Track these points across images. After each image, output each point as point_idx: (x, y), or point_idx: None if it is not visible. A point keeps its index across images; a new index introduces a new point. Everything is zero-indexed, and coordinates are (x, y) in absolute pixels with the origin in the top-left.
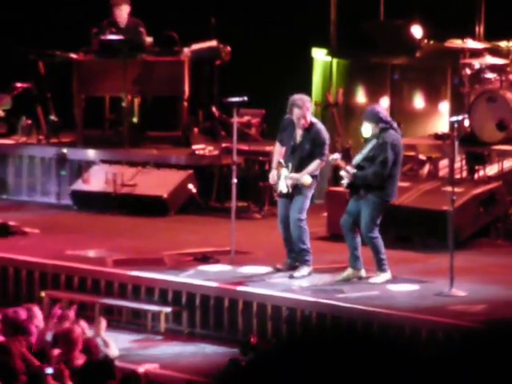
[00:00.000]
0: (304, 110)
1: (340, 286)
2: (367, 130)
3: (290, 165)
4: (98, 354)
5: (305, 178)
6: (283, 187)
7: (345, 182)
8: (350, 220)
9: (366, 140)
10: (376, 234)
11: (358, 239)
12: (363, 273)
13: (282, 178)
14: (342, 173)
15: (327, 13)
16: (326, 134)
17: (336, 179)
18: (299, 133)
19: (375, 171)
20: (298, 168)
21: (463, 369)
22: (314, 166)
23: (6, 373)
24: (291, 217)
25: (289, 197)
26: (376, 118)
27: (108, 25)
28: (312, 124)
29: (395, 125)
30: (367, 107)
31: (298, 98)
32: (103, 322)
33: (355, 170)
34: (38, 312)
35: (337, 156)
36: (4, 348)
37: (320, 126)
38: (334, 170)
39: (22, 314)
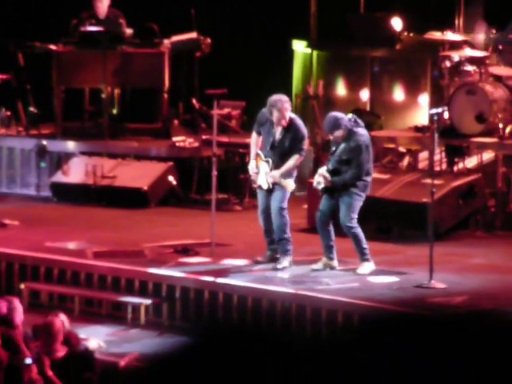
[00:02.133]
0: (283, 111)
1: (320, 277)
2: (338, 137)
3: (271, 161)
4: (79, 345)
5: (288, 182)
6: (263, 183)
7: (321, 186)
8: (324, 217)
9: (333, 142)
10: (355, 224)
11: (332, 231)
12: (336, 263)
13: (261, 173)
14: (319, 179)
15: (307, 5)
16: (304, 130)
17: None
18: (278, 130)
19: (353, 175)
20: (279, 164)
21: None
22: (293, 161)
23: None
24: (273, 206)
25: (268, 189)
26: (339, 124)
27: (88, 16)
28: (291, 120)
29: (357, 120)
30: (325, 120)
31: (277, 99)
32: (63, 318)
33: (332, 178)
34: (18, 304)
35: (322, 170)
36: None
37: (298, 121)
38: (315, 163)
39: (3, 306)
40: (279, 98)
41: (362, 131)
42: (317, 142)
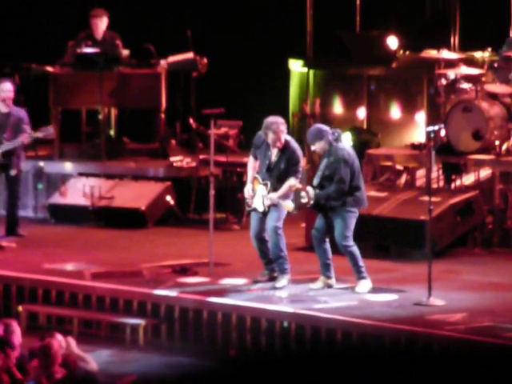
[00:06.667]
0: (279, 133)
1: (319, 296)
2: (319, 149)
3: (269, 184)
4: (76, 367)
5: (287, 203)
6: (259, 206)
7: (305, 201)
8: (319, 235)
9: (321, 157)
10: (351, 242)
11: (328, 249)
12: (333, 281)
13: (258, 196)
14: (302, 194)
15: (303, 24)
16: (300, 152)
17: None
18: (274, 152)
19: (336, 189)
20: (276, 186)
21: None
22: (290, 184)
23: None
24: (269, 225)
25: (263, 212)
26: (321, 136)
27: (85, 37)
28: (286, 143)
29: (340, 136)
30: (308, 131)
31: (273, 121)
32: (71, 341)
33: (315, 191)
34: (16, 327)
35: (293, 182)
36: None
37: (294, 144)
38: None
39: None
40: (275, 120)
41: (342, 146)
42: (314, 160)
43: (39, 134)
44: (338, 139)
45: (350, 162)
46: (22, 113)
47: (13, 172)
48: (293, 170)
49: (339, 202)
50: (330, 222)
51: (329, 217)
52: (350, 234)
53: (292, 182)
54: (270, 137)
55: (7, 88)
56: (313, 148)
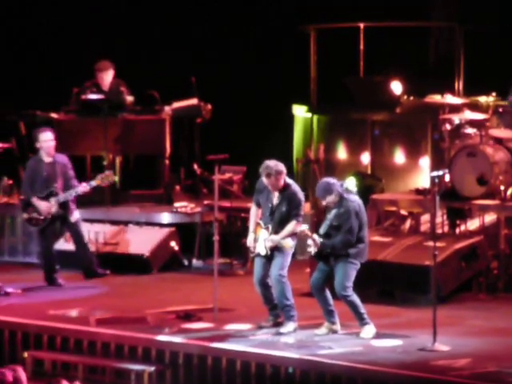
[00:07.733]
0: (277, 177)
1: (324, 341)
2: (330, 203)
3: (270, 227)
4: None
5: (286, 241)
6: (262, 250)
7: (311, 250)
8: (320, 279)
9: (328, 208)
10: (350, 292)
11: (329, 296)
12: (338, 327)
13: (260, 241)
14: (309, 241)
15: (307, 70)
16: (301, 195)
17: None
18: (276, 195)
19: (342, 240)
20: (278, 229)
21: None
22: (291, 227)
23: None
24: (273, 274)
25: (266, 256)
26: (330, 189)
27: (90, 86)
28: (287, 186)
29: (349, 187)
30: (317, 186)
31: (272, 165)
32: None
33: (321, 239)
34: (22, 373)
35: (304, 227)
36: None
37: (295, 187)
38: (317, 227)
39: (9, 375)
40: (275, 163)
41: (352, 198)
42: (318, 205)
43: (98, 182)
44: (348, 190)
45: (360, 214)
46: (65, 159)
47: (73, 219)
48: (294, 213)
49: (343, 252)
50: (330, 271)
51: (329, 266)
52: (350, 284)
53: (302, 227)
54: (266, 182)
55: (48, 137)
56: (324, 203)
